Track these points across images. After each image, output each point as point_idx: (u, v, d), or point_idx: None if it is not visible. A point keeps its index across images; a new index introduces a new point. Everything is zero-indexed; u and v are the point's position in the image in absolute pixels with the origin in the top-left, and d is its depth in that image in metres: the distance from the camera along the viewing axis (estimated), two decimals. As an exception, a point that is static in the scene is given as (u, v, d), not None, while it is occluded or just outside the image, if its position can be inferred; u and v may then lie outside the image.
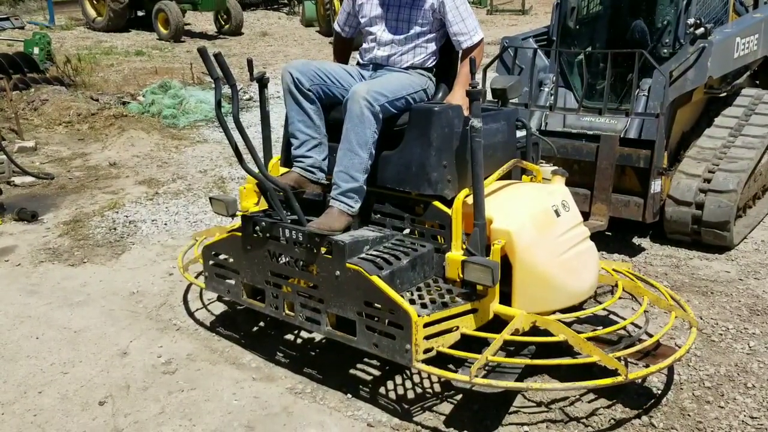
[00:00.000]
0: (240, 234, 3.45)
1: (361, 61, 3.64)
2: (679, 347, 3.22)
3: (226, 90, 3.03)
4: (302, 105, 3.35)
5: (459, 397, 3.19)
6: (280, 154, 3.68)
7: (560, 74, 5.25)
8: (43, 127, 8.59)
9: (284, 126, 3.56)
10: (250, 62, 3.69)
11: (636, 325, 3.34)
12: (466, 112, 3.20)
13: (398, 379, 3.35)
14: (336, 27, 3.84)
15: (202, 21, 19.85)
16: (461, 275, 3.01)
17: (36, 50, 11.15)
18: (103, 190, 6.46)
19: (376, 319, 2.92)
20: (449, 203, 3.13)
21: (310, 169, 3.38)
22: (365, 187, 3.25)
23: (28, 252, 5.03)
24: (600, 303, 3.50)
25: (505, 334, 2.90)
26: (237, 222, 3.67)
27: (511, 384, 2.88)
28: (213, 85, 3.05)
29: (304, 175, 3.37)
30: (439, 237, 3.21)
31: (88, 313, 4.09)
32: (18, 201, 6.10)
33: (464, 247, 3.06)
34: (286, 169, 3.51)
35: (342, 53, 3.88)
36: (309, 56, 15.12)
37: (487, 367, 2.97)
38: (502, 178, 3.38)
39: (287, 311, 3.28)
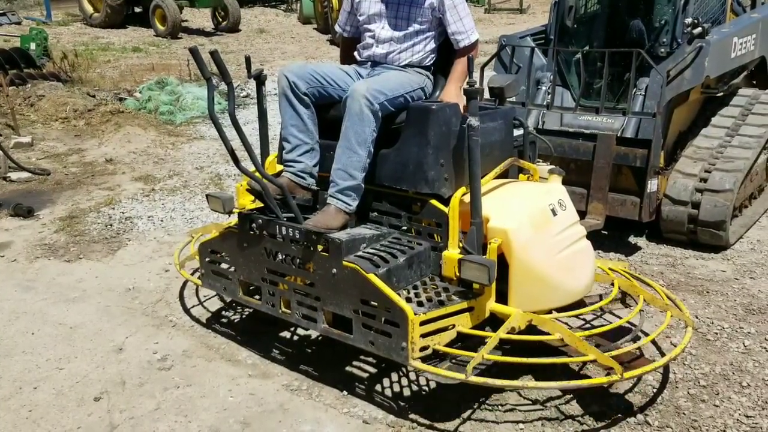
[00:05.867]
0: (236, 231, 3.45)
1: (359, 59, 3.64)
2: (675, 346, 3.23)
3: (223, 87, 3.04)
4: (297, 109, 3.36)
5: (455, 394, 3.19)
6: (278, 151, 3.67)
7: (558, 73, 5.25)
8: (39, 123, 8.58)
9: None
10: (248, 59, 3.69)
11: (632, 324, 3.34)
12: (463, 110, 3.20)
13: (394, 377, 3.35)
14: (337, 28, 3.84)
15: (200, 18, 19.83)
16: (458, 273, 3.01)
17: (33, 46, 11.13)
18: (99, 187, 6.45)
19: (372, 317, 2.93)
20: (446, 201, 3.13)
21: (300, 175, 3.39)
22: (363, 185, 3.25)
23: (23, 248, 5.03)
24: (596, 302, 3.50)
25: (501, 333, 2.91)
26: (234, 219, 3.67)
27: (507, 382, 2.88)
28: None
29: (294, 180, 3.38)
30: (435, 235, 3.21)
31: (83, 309, 4.08)
32: (14, 197, 6.09)
33: (461, 245, 3.06)
34: (282, 167, 3.51)
35: (348, 55, 3.83)
36: (306, 53, 15.11)
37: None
38: (499, 176, 3.38)
39: (284, 309, 3.28)
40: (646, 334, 3.33)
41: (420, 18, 3.43)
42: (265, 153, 3.80)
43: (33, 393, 3.26)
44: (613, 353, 2.96)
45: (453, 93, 3.33)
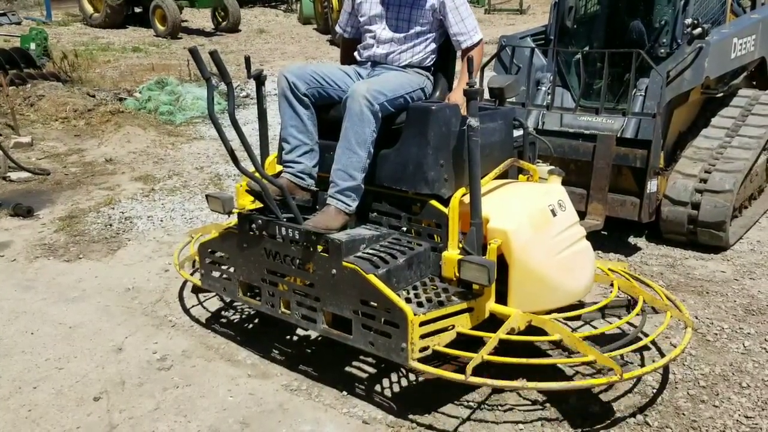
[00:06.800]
0: (236, 231, 3.45)
1: (359, 59, 3.64)
2: (675, 347, 3.23)
3: (223, 88, 3.04)
4: (297, 110, 3.36)
5: (454, 395, 3.19)
6: (277, 151, 3.67)
7: (558, 73, 5.25)
8: (39, 123, 8.57)
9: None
10: (247, 59, 3.69)
11: (631, 325, 3.34)
12: (463, 111, 3.20)
13: (394, 377, 3.35)
14: (338, 29, 3.84)
15: (200, 18, 19.83)
16: (457, 274, 3.01)
17: (33, 46, 11.13)
18: (99, 186, 6.45)
19: (372, 317, 2.92)
20: (446, 202, 3.13)
21: (300, 175, 3.39)
22: (363, 185, 3.25)
23: (23, 247, 5.02)
24: (595, 302, 3.50)
25: (501, 333, 2.91)
26: (233, 219, 3.67)
27: (506, 383, 2.88)
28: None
29: (294, 181, 3.38)
30: (435, 236, 3.21)
31: (83, 309, 4.08)
32: (14, 196, 6.08)
33: (461, 246, 3.06)
34: (282, 167, 3.51)
35: (348, 56, 3.82)
36: (306, 54, 15.11)
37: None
38: (498, 177, 3.38)
39: (283, 309, 3.28)
40: (646, 335, 3.32)
41: (421, 20, 3.44)
42: (264, 153, 3.80)
43: (32, 392, 3.26)
44: (613, 354, 2.96)
45: (459, 95, 3.32)
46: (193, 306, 4.13)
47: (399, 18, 3.47)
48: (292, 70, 3.36)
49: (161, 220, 5.56)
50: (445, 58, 3.65)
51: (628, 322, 3.30)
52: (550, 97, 5.12)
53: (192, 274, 4.04)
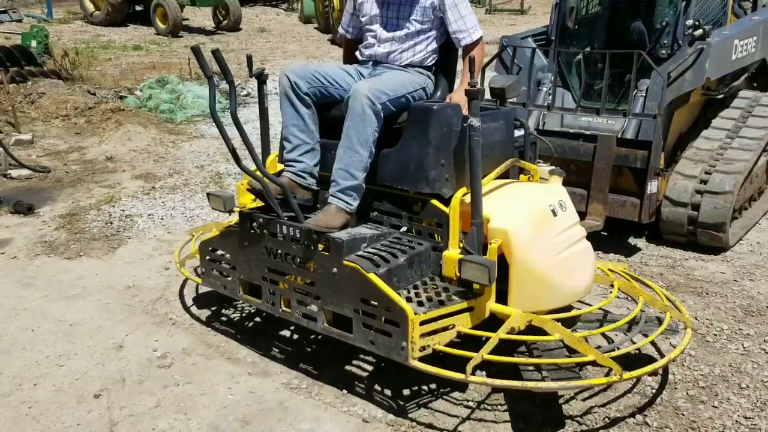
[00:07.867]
0: (237, 230, 3.45)
1: (360, 58, 3.64)
2: (674, 347, 3.24)
3: (224, 86, 3.04)
4: (298, 109, 3.36)
5: (454, 394, 3.20)
6: (279, 150, 3.67)
7: (558, 74, 5.26)
8: (40, 121, 8.58)
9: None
10: (249, 58, 3.69)
11: (631, 325, 3.35)
12: (465, 111, 3.20)
13: (394, 376, 3.35)
14: (340, 30, 3.85)
15: (200, 16, 19.84)
16: (458, 273, 3.01)
17: (33, 43, 11.15)
18: (99, 184, 6.46)
19: (372, 316, 2.93)
20: (447, 202, 3.13)
21: (300, 174, 3.40)
22: (364, 185, 3.25)
23: (24, 245, 5.03)
24: (595, 303, 3.51)
25: (501, 333, 2.91)
26: (234, 218, 3.67)
27: (507, 382, 2.89)
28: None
29: (295, 179, 3.39)
30: (436, 235, 3.22)
31: (83, 307, 4.08)
32: (14, 194, 6.09)
33: (461, 245, 3.06)
34: (283, 166, 3.51)
35: (350, 56, 3.82)
36: (307, 53, 15.11)
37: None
38: (499, 177, 3.39)
39: (284, 308, 3.29)
40: (646, 335, 3.33)
41: (421, 18, 3.44)
42: (266, 152, 3.81)
43: (33, 390, 3.26)
44: (612, 354, 2.97)
45: (461, 95, 3.32)
46: (193, 304, 4.13)
47: (399, 17, 3.48)
48: (293, 70, 3.37)
49: (162, 218, 5.56)
50: (446, 57, 3.65)
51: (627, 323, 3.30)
52: (551, 97, 5.13)
53: (193, 272, 4.04)
